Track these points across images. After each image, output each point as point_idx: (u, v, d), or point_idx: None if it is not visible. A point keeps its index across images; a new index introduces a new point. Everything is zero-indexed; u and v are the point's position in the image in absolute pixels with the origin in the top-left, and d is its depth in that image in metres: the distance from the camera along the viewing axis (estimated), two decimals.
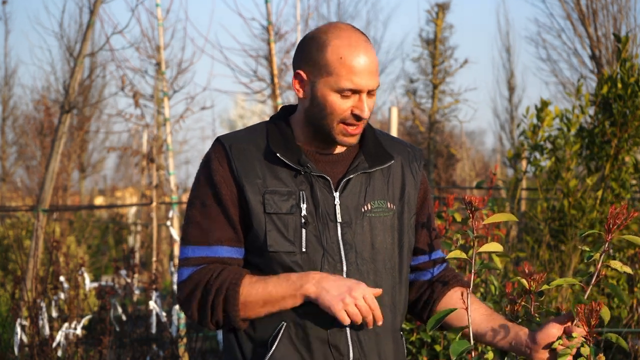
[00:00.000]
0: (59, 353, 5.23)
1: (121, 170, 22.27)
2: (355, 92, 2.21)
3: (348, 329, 2.22)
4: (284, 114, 2.36)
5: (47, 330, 5.28)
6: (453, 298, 2.38)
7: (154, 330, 5.61)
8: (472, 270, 2.28)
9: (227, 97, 56.58)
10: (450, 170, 14.62)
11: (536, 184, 5.94)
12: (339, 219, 2.24)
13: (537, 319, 2.31)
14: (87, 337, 6.92)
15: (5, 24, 20.89)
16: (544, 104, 5.77)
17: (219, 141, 2.30)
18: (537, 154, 5.85)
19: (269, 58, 8.22)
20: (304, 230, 2.21)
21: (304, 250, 2.21)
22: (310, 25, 8.96)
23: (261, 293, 2.18)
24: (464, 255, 2.28)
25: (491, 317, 2.30)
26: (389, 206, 2.31)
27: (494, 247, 2.27)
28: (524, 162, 6.23)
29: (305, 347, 2.21)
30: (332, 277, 2.16)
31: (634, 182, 5.83)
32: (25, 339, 5.22)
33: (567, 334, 2.19)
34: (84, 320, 5.44)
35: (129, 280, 5.97)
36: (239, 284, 2.19)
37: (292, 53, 2.26)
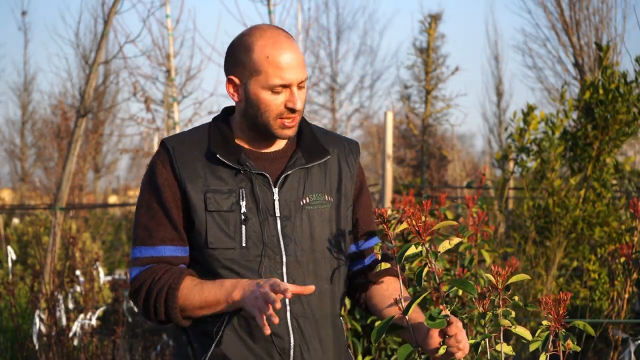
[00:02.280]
0: (75, 342, 5.23)
1: (133, 170, 22.27)
2: (285, 86, 2.20)
3: (288, 317, 2.21)
4: (225, 115, 2.34)
5: (64, 321, 5.28)
6: (377, 289, 2.35)
7: None
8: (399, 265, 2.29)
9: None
10: (442, 171, 14.59)
11: (523, 183, 5.94)
12: (278, 214, 2.23)
13: (510, 312, 2.30)
14: (102, 327, 6.91)
15: (24, 34, 20.84)
16: (530, 108, 5.77)
17: (162, 144, 2.28)
18: (524, 156, 5.85)
19: None
20: (243, 227, 2.20)
21: (244, 245, 2.20)
22: (310, 35, 8.94)
23: (197, 298, 2.16)
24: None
25: (410, 319, 2.25)
26: (326, 199, 2.29)
27: (412, 249, 2.26)
28: (511, 163, 6.23)
29: (248, 336, 2.20)
30: (256, 284, 2.10)
31: (614, 182, 5.83)
32: (43, 329, 5.22)
33: (445, 334, 2.17)
34: (99, 312, 5.44)
35: None
36: (177, 288, 2.17)
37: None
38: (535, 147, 5.81)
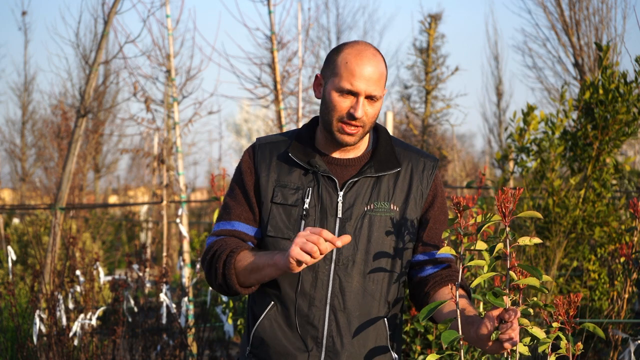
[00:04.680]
0: (75, 342, 5.23)
1: (133, 170, 22.26)
2: (354, 94, 2.35)
3: (327, 309, 2.36)
4: (314, 122, 2.53)
5: (64, 321, 5.28)
6: (443, 294, 2.43)
7: (164, 321, 5.61)
8: (461, 265, 2.29)
9: (232, 102, 56.59)
10: (442, 171, 14.60)
11: (523, 183, 5.94)
12: (339, 215, 2.38)
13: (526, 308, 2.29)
14: (102, 327, 6.92)
15: (25, 34, 20.84)
16: (530, 108, 5.77)
17: (255, 141, 2.54)
18: (524, 156, 5.85)
19: (272, 66, 8.22)
20: (303, 221, 2.37)
21: None
22: (310, 35, 8.94)
23: (248, 261, 2.34)
24: (452, 252, 2.32)
25: (464, 311, 2.30)
26: (392, 207, 2.42)
27: (481, 245, 2.29)
28: (511, 163, 6.23)
29: (286, 322, 2.38)
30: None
31: (614, 182, 5.83)
32: (43, 329, 5.22)
33: (501, 319, 2.18)
34: (99, 312, 5.44)
35: (140, 274, 5.97)
36: (236, 252, 2.37)
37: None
38: (535, 147, 5.81)
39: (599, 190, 5.55)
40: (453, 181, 16.13)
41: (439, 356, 2.26)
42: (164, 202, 7.75)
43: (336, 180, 2.40)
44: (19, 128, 19.85)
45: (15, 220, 14.44)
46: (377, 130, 2.54)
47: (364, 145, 2.50)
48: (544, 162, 5.66)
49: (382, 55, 2.41)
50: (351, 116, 2.34)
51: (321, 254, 2.17)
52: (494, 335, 2.17)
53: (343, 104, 2.35)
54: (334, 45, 20.35)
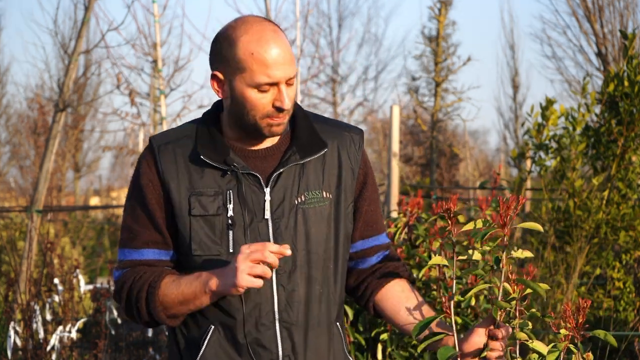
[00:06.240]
0: (54, 357, 5.23)
1: (117, 170, 22.30)
2: (273, 84, 2.20)
3: (277, 326, 2.22)
4: (216, 110, 2.35)
5: (41, 334, 5.28)
6: (391, 291, 2.37)
7: (150, 333, 5.62)
8: (451, 281, 2.31)
9: None
10: (453, 170, 14.63)
11: (541, 184, 5.94)
12: (269, 215, 2.23)
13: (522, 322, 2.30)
14: (82, 340, 6.91)
15: None
16: (549, 102, 5.77)
17: (149, 142, 2.32)
18: (542, 154, 5.85)
19: None
20: (230, 232, 2.21)
21: (231, 251, 2.21)
22: (309, 22, 8.94)
23: (175, 293, 2.20)
24: (444, 262, 2.29)
25: (435, 320, 2.28)
26: (324, 195, 2.29)
27: (477, 256, 2.29)
28: (528, 162, 6.22)
29: (233, 347, 2.23)
30: (229, 267, 2.15)
31: None
32: (18, 342, 5.22)
33: (492, 337, 2.19)
34: (79, 324, 5.44)
35: None
36: (156, 286, 2.21)
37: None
38: (554, 144, 5.81)
39: (624, 191, 5.55)
40: (465, 181, 16.14)
41: None
42: None
43: (259, 176, 2.24)
44: None
45: None
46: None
47: None
48: (564, 161, 5.66)
49: (279, 26, 2.26)
50: (279, 109, 2.20)
51: (272, 267, 2.10)
52: (484, 352, 2.18)
53: (264, 99, 2.20)
54: (335, 34, 20.35)
